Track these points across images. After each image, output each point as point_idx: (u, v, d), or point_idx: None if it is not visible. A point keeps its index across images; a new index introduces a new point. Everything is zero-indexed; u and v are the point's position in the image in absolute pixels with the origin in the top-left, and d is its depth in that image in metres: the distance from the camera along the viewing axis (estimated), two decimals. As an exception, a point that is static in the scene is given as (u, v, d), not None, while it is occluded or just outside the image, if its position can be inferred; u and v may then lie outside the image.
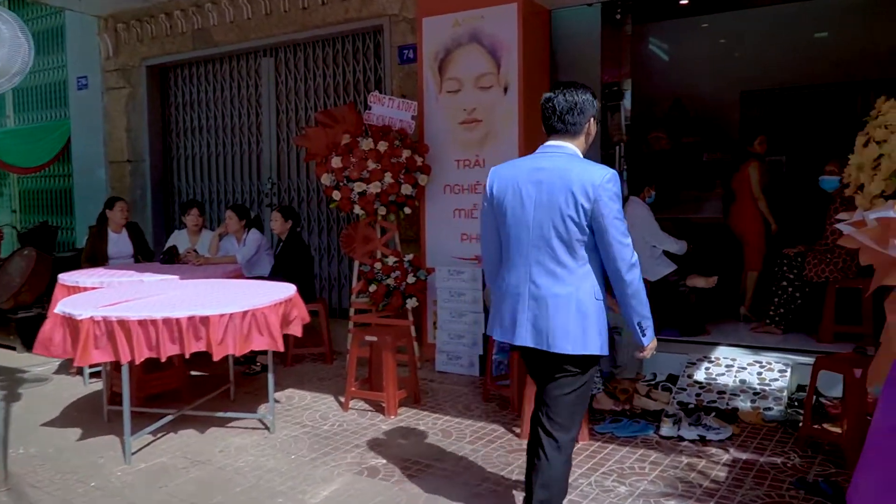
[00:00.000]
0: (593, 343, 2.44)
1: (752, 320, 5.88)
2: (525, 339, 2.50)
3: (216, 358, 3.74)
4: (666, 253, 5.49)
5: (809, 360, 4.73)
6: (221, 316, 3.75)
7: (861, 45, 7.84)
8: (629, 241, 2.40)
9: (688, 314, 5.45)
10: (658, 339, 2.73)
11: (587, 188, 2.34)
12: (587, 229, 2.37)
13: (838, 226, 3.38)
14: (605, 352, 2.47)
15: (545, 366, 2.56)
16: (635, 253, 2.42)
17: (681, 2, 8.01)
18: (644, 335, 2.53)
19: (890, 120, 3.09)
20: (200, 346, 3.72)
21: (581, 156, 2.53)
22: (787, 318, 5.42)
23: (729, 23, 8.62)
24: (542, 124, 2.59)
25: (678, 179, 8.08)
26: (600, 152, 5.89)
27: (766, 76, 8.47)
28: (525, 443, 3.84)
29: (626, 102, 6.91)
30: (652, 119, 8.81)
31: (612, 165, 6.10)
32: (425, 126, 5.82)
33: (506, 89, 5.45)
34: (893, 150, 2.89)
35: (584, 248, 2.40)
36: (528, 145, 5.42)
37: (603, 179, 2.36)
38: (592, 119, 2.56)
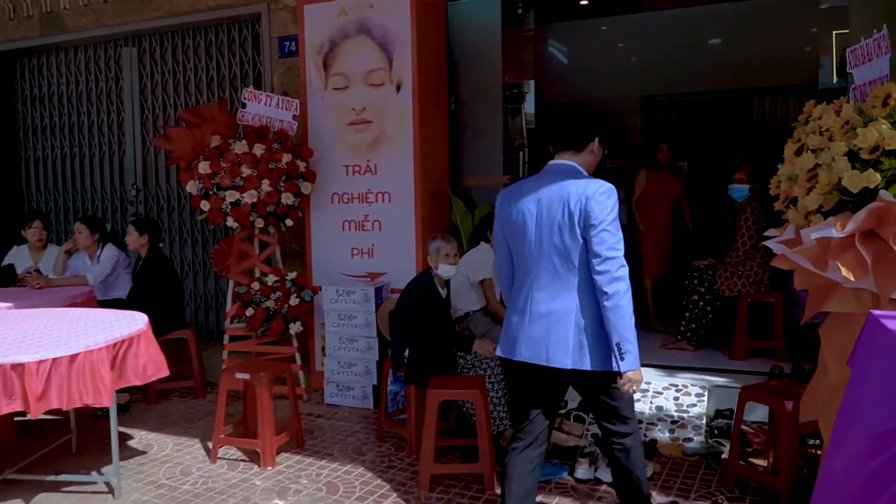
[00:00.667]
0: (585, 357, 2.42)
1: (660, 331, 5.62)
2: (522, 353, 2.52)
3: (34, 416, 2.96)
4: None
5: (726, 382, 4.44)
6: (41, 363, 2.97)
7: (751, 52, 7.83)
8: (617, 253, 2.35)
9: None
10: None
11: (581, 200, 2.37)
12: (581, 240, 2.39)
13: (767, 243, 3.03)
14: (609, 367, 2.41)
15: (548, 383, 2.59)
16: (625, 266, 2.37)
17: (581, 2, 7.73)
18: (622, 359, 2.35)
19: (826, 124, 2.74)
20: (14, 406, 2.93)
21: (585, 173, 2.54)
22: (699, 334, 5.15)
23: (627, 26, 8.46)
24: (545, 141, 2.63)
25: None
26: (502, 158, 5.44)
27: (666, 81, 8.37)
28: (424, 495, 3.29)
29: (529, 106, 6.53)
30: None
31: (514, 172, 5.69)
32: (309, 127, 5.17)
33: (399, 87, 4.88)
34: (837, 160, 2.53)
35: (581, 263, 2.40)
36: (425, 149, 4.89)
37: (596, 192, 2.37)
38: (597, 138, 2.59)
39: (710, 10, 7.83)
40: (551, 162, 2.59)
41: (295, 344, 5.03)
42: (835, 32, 7.94)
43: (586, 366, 2.40)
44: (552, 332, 2.43)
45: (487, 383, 3.90)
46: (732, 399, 4.29)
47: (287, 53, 5.63)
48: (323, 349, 5.07)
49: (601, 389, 2.51)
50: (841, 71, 8.02)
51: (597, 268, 2.33)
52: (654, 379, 4.55)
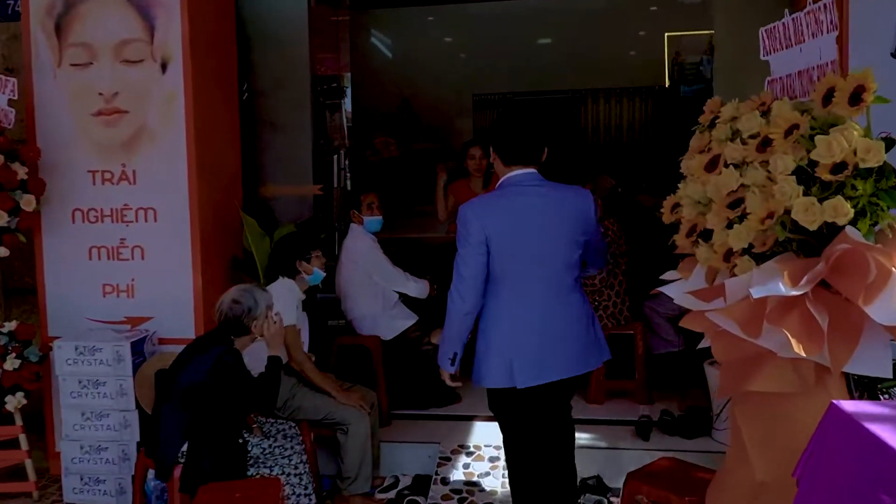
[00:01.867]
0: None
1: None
2: (555, 372, 2.48)
3: None
4: (404, 298, 4.09)
5: (589, 439, 3.67)
6: None
7: (584, 52, 7.39)
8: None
9: (436, 380, 4.09)
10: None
11: (583, 209, 2.51)
12: (581, 247, 2.53)
13: (663, 289, 2.20)
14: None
15: (556, 398, 2.61)
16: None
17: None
18: None
19: (749, 129, 1.93)
20: None
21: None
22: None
23: (455, 18, 7.80)
24: (496, 151, 2.53)
25: (409, 192, 6.88)
26: (311, 162, 4.31)
27: (497, 80, 7.72)
28: None
29: (348, 102, 5.51)
30: (377, 122, 7.56)
31: (328, 179, 4.62)
32: (37, 117, 3.72)
33: (164, 65, 3.59)
34: (782, 181, 1.71)
35: (574, 266, 2.54)
36: (205, 150, 3.65)
37: (591, 200, 2.55)
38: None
39: (540, 7, 7.36)
40: (519, 173, 2.50)
41: (18, 422, 3.57)
42: (667, 34, 7.74)
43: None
44: (583, 337, 2.51)
45: (294, 475, 2.82)
46: (598, 462, 3.54)
47: (10, 15, 4.12)
48: (64, 425, 3.65)
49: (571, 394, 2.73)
50: (675, 74, 7.86)
51: (597, 269, 2.84)
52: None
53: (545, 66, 7.70)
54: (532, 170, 2.49)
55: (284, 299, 3.22)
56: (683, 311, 2.10)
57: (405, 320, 3.97)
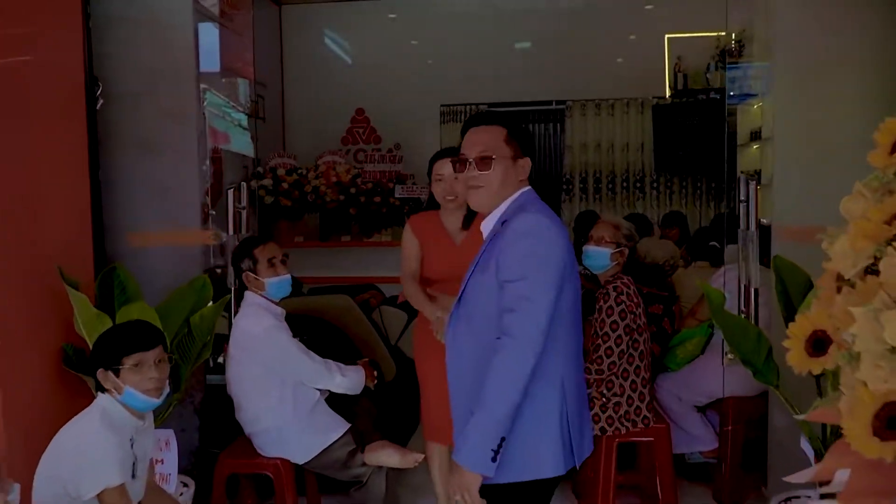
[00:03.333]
0: None
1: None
2: (588, 448, 1.91)
3: None
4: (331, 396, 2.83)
5: None
6: None
7: (566, 58, 6.39)
8: None
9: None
10: None
11: None
12: None
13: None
14: None
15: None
16: None
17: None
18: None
19: None
20: None
21: None
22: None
23: (422, 19, 6.82)
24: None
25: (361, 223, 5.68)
26: (201, 198, 3.04)
27: (468, 89, 6.56)
28: None
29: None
30: (327, 137, 6.38)
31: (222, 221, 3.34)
32: None
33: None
34: None
35: None
36: (12, 182, 2.36)
37: None
38: None
39: (519, 7, 6.32)
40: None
41: None
42: (667, 36, 6.64)
43: None
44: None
45: None
46: None
47: None
48: None
49: None
50: (676, 83, 6.76)
51: None
52: None
53: (524, 74, 6.60)
54: None
55: (94, 442, 1.93)
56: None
57: (328, 433, 2.70)
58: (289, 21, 6.79)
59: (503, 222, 1.74)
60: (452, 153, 2.57)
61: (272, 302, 2.69)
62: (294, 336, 4.08)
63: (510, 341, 1.62)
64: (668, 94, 6.52)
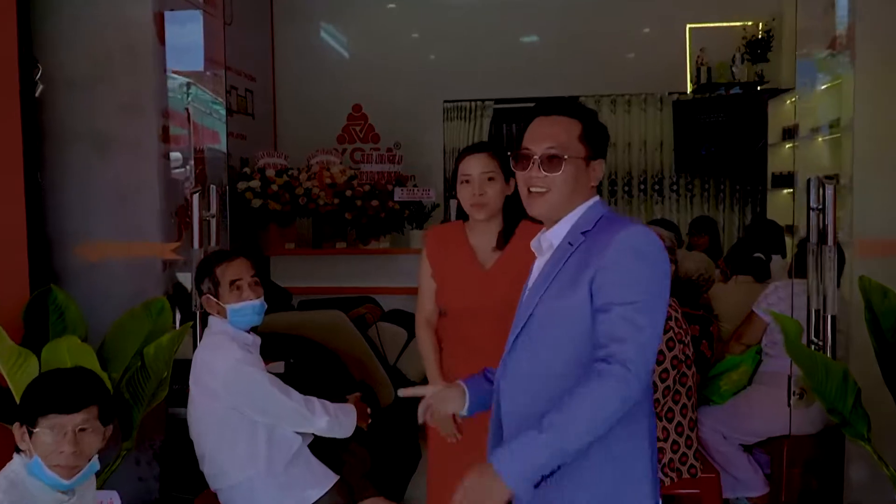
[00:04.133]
0: None
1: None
2: None
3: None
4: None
5: None
6: None
7: (578, 51, 6.02)
8: None
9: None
10: None
11: None
12: None
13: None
14: None
15: None
16: None
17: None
18: None
19: None
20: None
21: None
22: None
23: (424, 10, 6.38)
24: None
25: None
26: (160, 206, 2.56)
27: (473, 85, 6.24)
28: None
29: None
30: (321, 135, 5.94)
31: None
32: None
33: None
34: None
35: None
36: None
37: None
38: None
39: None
40: None
41: None
42: (689, 27, 6.17)
43: None
44: None
45: None
46: None
47: None
48: None
49: None
50: (699, 77, 6.29)
51: None
52: None
53: (532, 68, 6.17)
54: None
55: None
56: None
57: (309, 489, 2.22)
58: (280, 10, 6.36)
59: (583, 232, 1.44)
60: (483, 148, 2.07)
61: (242, 330, 2.21)
62: (279, 359, 3.63)
63: (622, 371, 1.32)
64: (689, 88, 6.04)
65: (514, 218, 2.05)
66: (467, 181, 2.02)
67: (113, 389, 2.19)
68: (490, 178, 2.00)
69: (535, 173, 1.43)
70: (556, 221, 1.47)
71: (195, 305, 2.45)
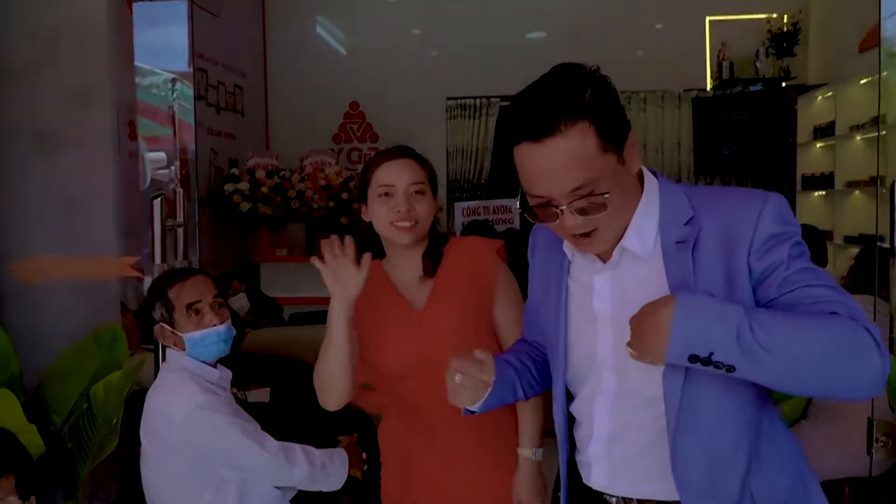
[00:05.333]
0: None
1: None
2: None
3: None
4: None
5: None
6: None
7: (589, 45, 5.48)
8: None
9: None
10: None
11: None
12: None
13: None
14: None
15: None
16: None
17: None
18: None
19: None
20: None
21: None
22: None
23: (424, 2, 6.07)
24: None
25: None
26: (119, 207, 2.19)
27: (477, 80, 5.86)
28: None
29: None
30: (317, 134, 5.58)
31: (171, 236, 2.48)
32: None
33: None
34: None
35: None
36: None
37: None
38: None
39: None
40: None
41: None
42: (709, 19, 5.79)
43: None
44: None
45: None
46: None
47: None
48: None
49: None
50: (720, 73, 5.89)
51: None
52: None
53: (540, 63, 5.69)
54: None
55: None
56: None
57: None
58: (272, 2, 6.00)
59: (686, 223, 1.08)
60: (409, 154, 1.55)
61: (206, 363, 1.82)
62: (265, 384, 3.23)
63: (854, 323, 0.97)
64: (709, 85, 5.66)
65: (440, 236, 1.60)
66: (387, 193, 1.50)
67: (53, 438, 1.81)
68: (419, 192, 1.51)
69: (571, 222, 1.04)
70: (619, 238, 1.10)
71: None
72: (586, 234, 1.06)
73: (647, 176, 1.12)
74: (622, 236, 1.09)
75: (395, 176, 1.51)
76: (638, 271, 1.10)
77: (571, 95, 1.01)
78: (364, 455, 2.09)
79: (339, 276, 1.40)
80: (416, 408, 1.56)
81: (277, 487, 1.92)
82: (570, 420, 1.24)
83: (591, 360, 1.14)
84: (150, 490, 1.83)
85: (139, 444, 1.88)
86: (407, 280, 1.58)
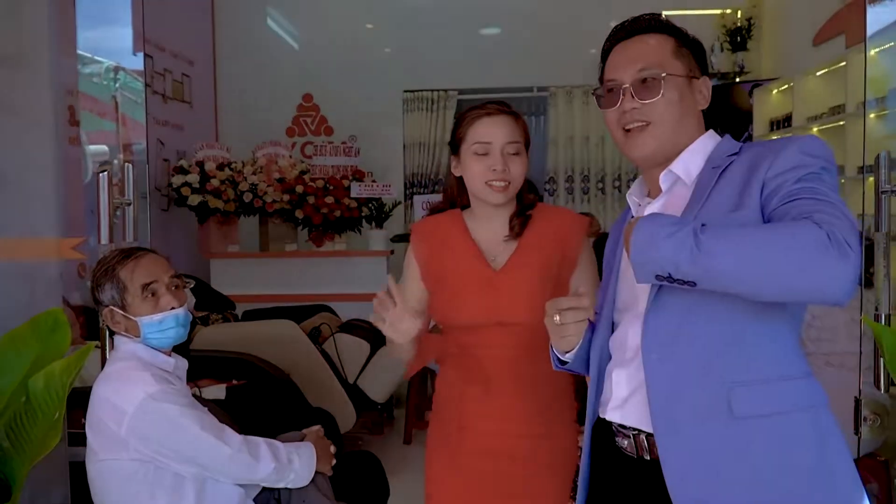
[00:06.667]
0: None
1: None
2: None
3: None
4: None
5: None
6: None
7: (548, 37, 5.61)
8: None
9: None
10: None
11: None
12: None
13: None
14: None
15: None
16: None
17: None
18: None
19: None
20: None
21: None
22: None
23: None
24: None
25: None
26: (60, 185, 2.00)
27: (434, 73, 5.81)
28: None
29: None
30: (269, 127, 5.40)
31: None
32: None
33: None
34: None
35: None
36: None
37: None
38: None
39: None
40: None
41: None
42: (664, 14, 5.77)
43: None
44: None
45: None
46: None
47: None
48: None
49: None
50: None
51: None
52: None
53: (498, 56, 5.78)
54: None
55: None
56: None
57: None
58: (221, -7, 5.77)
59: (729, 155, 1.14)
60: (508, 110, 1.51)
61: (160, 351, 1.66)
62: (222, 380, 3.09)
63: (818, 229, 0.97)
64: (664, 79, 5.69)
65: (528, 198, 1.55)
66: (485, 153, 1.47)
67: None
68: (515, 153, 1.48)
69: (628, 105, 1.16)
70: (664, 163, 1.18)
71: (102, 322, 1.89)
72: (641, 129, 1.14)
73: (712, 132, 1.21)
74: (671, 161, 1.16)
75: (492, 133, 1.48)
76: (685, 199, 1.15)
77: (665, 23, 1.21)
78: (333, 448, 1.96)
79: (399, 328, 1.39)
80: (477, 360, 1.52)
81: (240, 485, 1.77)
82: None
83: (636, 286, 1.15)
84: (98, 490, 1.65)
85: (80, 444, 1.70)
86: (489, 238, 1.54)
